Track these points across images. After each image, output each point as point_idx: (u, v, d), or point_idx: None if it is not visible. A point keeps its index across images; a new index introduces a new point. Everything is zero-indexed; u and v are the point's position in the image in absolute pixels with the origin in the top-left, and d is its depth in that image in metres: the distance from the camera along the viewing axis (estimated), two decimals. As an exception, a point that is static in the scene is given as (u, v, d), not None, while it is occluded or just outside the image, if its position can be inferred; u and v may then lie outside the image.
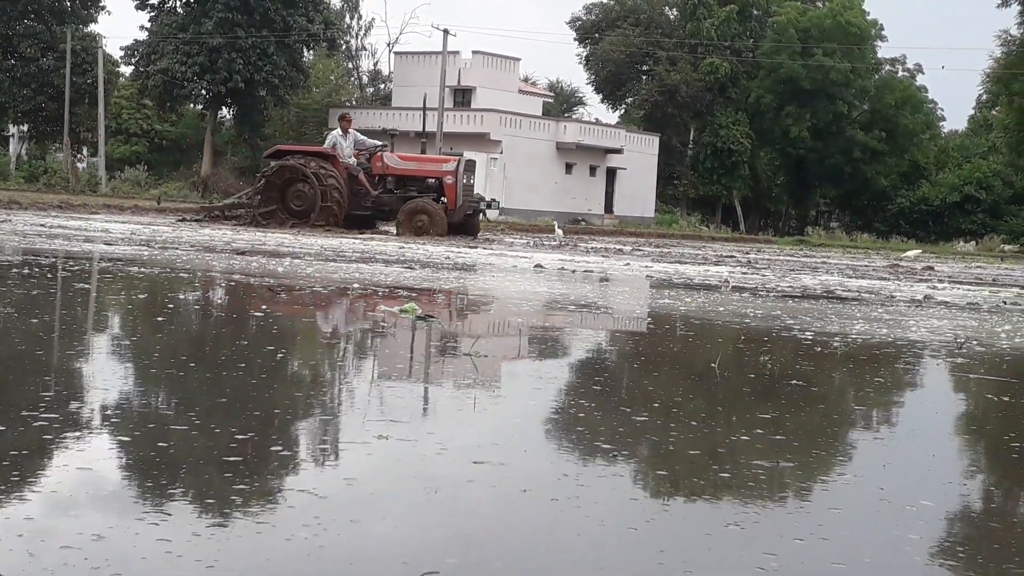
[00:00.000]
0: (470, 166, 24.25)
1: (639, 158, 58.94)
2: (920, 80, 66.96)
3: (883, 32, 65.00)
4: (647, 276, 15.16)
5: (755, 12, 64.81)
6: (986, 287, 16.29)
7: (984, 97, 59.86)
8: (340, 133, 23.97)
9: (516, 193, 50.85)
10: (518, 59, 59.87)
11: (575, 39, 69.15)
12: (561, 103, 77.91)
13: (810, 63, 59.11)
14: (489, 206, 26.86)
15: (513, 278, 13.01)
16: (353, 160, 23.65)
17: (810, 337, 7.81)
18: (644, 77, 65.53)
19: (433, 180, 23.33)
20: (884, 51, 66.46)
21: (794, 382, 5.74)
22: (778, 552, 2.71)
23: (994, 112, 58.39)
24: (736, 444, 4.03)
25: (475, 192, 24.78)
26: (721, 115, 62.26)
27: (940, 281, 17.08)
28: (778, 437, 4.26)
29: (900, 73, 66.91)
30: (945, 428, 4.95)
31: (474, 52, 57.57)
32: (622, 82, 65.95)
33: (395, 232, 23.03)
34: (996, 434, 4.83)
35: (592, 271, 15.23)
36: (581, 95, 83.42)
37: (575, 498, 3.15)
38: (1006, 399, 5.61)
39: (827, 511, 3.22)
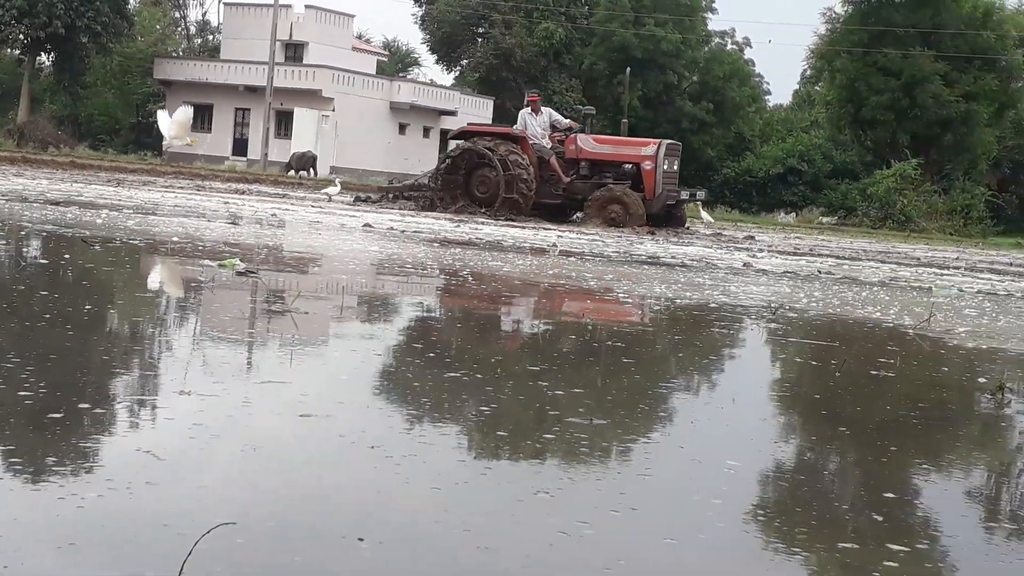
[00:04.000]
0: (673, 150, 21.57)
1: (473, 120, 58.94)
2: (748, 54, 68.63)
3: (714, 4, 66.30)
4: (476, 238, 15.16)
5: (591, -20, 65.32)
6: (803, 257, 16.83)
7: (808, 73, 61.64)
8: (529, 112, 21.48)
9: (348, 152, 50.25)
10: (352, 16, 59.04)
11: (411, -1, 68.58)
12: (396, 63, 77.14)
13: (642, 32, 59.93)
14: (693, 196, 23.76)
15: (344, 237, 12.83)
16: (547, 143, 21.19)
17: (632, 300, 7.91)
18: (480, 40, 65.38)
19: (630, 165, 20.83)
20: (714, 23, 67.79)
21: (616, 344, 5.79)
22: (589, 520, 2.70)
23: (817, 88, 60.22)
24: (555, 406, 4.03)
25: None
26: (555, 81, 62.63)
27: (760, 250, 17.56)
28: (597, 399, 4.28)
29: (729, 46, 68.37)
30: (757, 390, 5.07)
31: (307, 6, 56.44)
32: (457, 44, 65.67)
33: (581, 221, 20.89)
34: (805, 396, 4.96)
35: (421, 231, 15.14)
36: (416, 55, 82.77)
37: (392, 458, 3.09)
38: (814, 363, 5.78)
39: (638, 476, 3.24)
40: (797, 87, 74.30)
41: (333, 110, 51.27)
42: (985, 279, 14.34)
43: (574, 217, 21.66)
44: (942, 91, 44.91)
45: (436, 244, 13.31)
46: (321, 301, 6.99)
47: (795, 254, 17.28)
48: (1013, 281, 14.38)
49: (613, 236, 17.74)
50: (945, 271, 15.62)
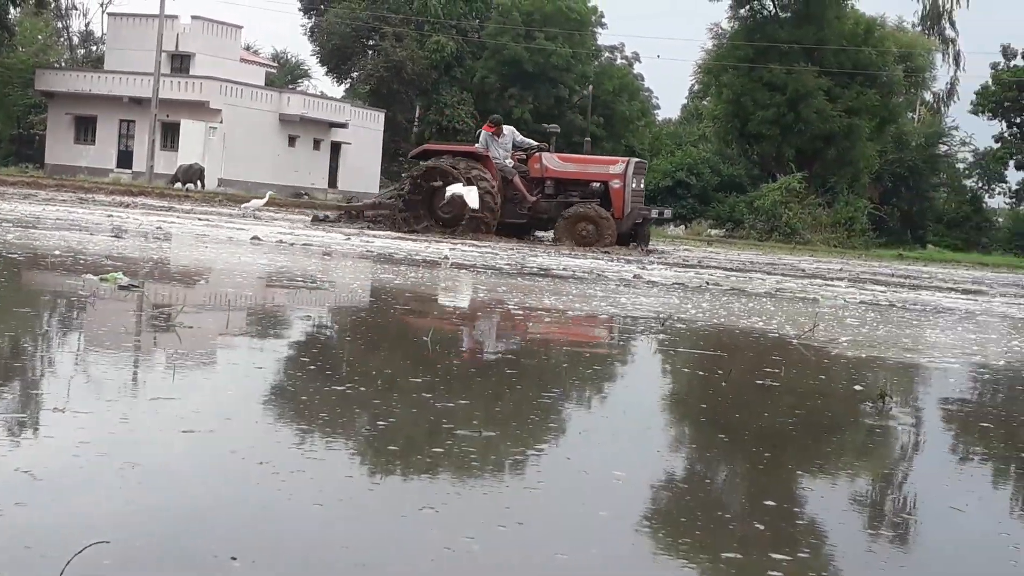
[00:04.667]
0: (640, 168, 21.49)
1: (364, 133, 58.55)
2: (637, 68, 69.55)
3: (603, 20, 67.03)
4: (368, 251, 15.04)
5: (481, -7, 65.49)
6: (692, 269, 17.04)
7: (696, 87, 62.58)
8: (490, 134, 20.97)
9: (237, 164, 49.54)
10: (240, 27, 58.28)
11: (300, 9, 68.00)
12: (285, 74, 76.45)
13: (533, 46, 60.28)
14: (661, 215, 24.21)
15: (231, 250, 12.63)
16: (509, 162, 20.85)
17: (522, 313, 7.91)
18: (370, 52, 65.13)
19: (598, 184, 20.63)
20: (604, 38, 68.54)
21: (507, 356, 5.78)
22: (476, 535, 2.67)
23: (705, 102, 61.16)
24: (444, 419, 4.00)
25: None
26: (447, 94, 62.64)
27: (651, 262, 17.74)
28: (487, 412, 4.26)
29: (619, 61, 69.22)
30: (645, 400, 5.10)
31: (193, 17, 55.57)
32: (348, 56, 65.27)
33: (552, 241, 20.60)
34: (692, 405, 5.00)
35: (312, 244, 14.98)
36: (306, 67, 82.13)
37: (278, 474, 3.03)
38: (702, 373, 5.84)
39: (525, 490, 3.22)
40: (685, 101, 75.48)
41: (221, 122, 50.53)
42: (868, 290, 14.68)
43: (542, 236, 21.52)
44: (825, 106, 45.93)
45: (327, 257, 13.18)
46: (207, 315, 6.85)
47: (684, 266, 17.49)
48: (894, 291, 14.73)
49: (507, 249, 17.77)
50: (830, 282, 15.95)
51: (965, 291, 16.84)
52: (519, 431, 3.95)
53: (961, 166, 60.52)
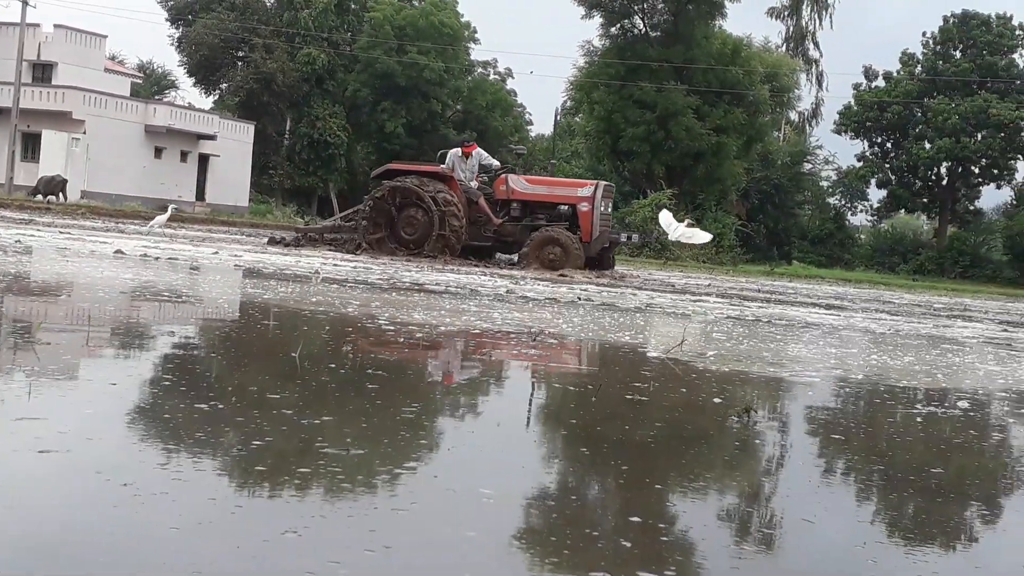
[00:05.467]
0: (609, 191, 21.10)
1: (233, 146, 57.67)
2: (510, 84, 69.94)
3: (476, 35, 67.25)
4: (236, 266, 14.78)
5: (352, 6, 65.11)
6: (565, 284, 17.15)
7: (568, 104, 63.20)
8: (459, 155, 20.73)
9: (101, 176, 48.34)
10: (104, 36, 56.88)
11: (167, 20, 66.75)
12: (152, 85, 74.92)
13: (405, 60, 60.17)
14: (630, 239, 23.98)
15: (95, 264, 12.28)
16: (474, 184, 20.60)
17: (394, 328, 7.84)
18: (240, 64, 64.24)
19: (566, 207, 20.33)
20: (477, 53, 68.78)
21: (377, 372, 5.71)
22: (342, 560, 2.61)
23: (577, 119, 61.77)
24: (312, 437, 3.91)
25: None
26: (318, 107, 62.10)
27: (524, 277, 17.80)
28: (356, 429, 4.19)
29: (492, 76, 69.51)
30: (514, 415, 5.07)
31: (56, 26, 54.06)
32: (216, 67, 64.26)
33: (518, 264, 20.18)
34: (562, 420, 5.00)
35: (178, 259, 14.66)
36: (173, 78, 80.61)
37: (139, 496, 2.92)
38: (572, 388, 5.85)
39: (393, 511, 3.16)
40: (558, 118, 76.04)
41: (84, 133, 49.27)
42: (736, 305, 14.95)
43: (509, 260, 21.13)
44: (695, 124, 46.80)
45: (194, 272, 12.91)
46: (67, 331, 6.63)
47: (558, 281, 17.59)
48: (760, 307, 15.04)
49: (379, 263, 17.65)
50: (699, 297, 16.21)
51: (828, 306, 17.29)
52: (388, 449, 3.89)
53: (825, 184, 62.31)
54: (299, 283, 11.94)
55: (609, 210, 21.28)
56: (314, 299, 10.01)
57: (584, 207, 20.15)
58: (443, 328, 8.31)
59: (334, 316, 8.69)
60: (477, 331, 8.23)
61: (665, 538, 3.09)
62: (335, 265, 16.28)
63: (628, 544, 2.94)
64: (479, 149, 21.39)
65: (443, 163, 20.98)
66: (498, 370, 6.62)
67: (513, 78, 69.70)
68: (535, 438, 4.60)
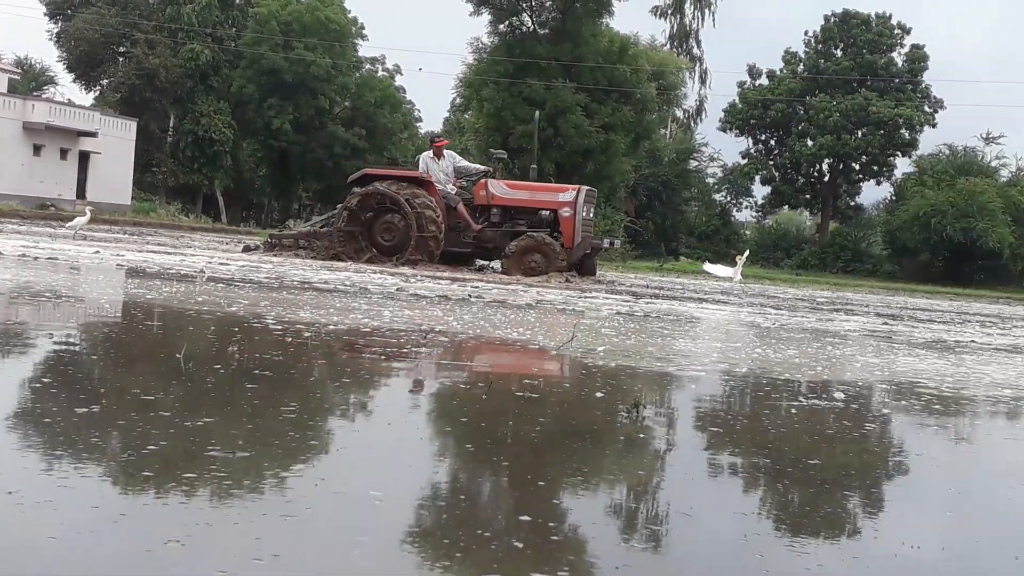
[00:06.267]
0: (591, 196, 20.44)
1: (115, 143, 56.38)
2: (399, 81, 69.67)
3: (364, 31, 66.84)
4: (119, 265, 14.46)
5: (237, 1, 64.23)
6: (456, 281, 17.12)
7: (458, 101, 63.14)
8: (431, 156, 20.06)
9: (-24, 175, 46.94)
10: (-20, 30, 55.35)
11: (45, 14, 65.04)
12: (30, 81, 72.90)
13: (292, 56, 59.52)
14: (612, 244, 23.11)
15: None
16: (451, 188, 19.98)
17: (281, 327, 7.75)
18: (121, 59, 62.87)
19: (547, 212, 19.84)
20: (365, 50, 68.35)
21: (264, 372, 5.62)
22: (227, 570, 2.55)
23: (467, 116, 61.75)
24: (198, 440, 3.83)
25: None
26: (202, 103, 61.10)
27: (414, 274, 17.72)
28: (243, 431, 4.12)
29: (380, 72, 69.16)
30: (402, 415, 5.04)
31: (-72, 19, 52.45)
32: (97, 63, 62.81)
33: (500, 271, 19.49)
34: (453, 419, 4.98)
35: (57, 259, 14.29)
36: (52, 74, 78.57)
37: (22, 504, 2.83)
38: (463, 386, 5.83)
39: (281, 517, 3.11)
40: (448, 115, 76.05)
41: (-41, 130, 47.74)
42: (625, 302, 15.09)
43: (490, 266, 20.72)
44: (583, 122, 47.05)
45: (75, 271, 12.60)
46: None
47: (450, 279, 17.56)
48: (648, 303, 15.20)
49: (268, 262, 17.42)
50: (587, 294, 16.32)
51: (715, 301, 17.55)
52: (276, 451, 3.83)
53: (711, 181, 63.24)
54: (184, 283, 11.72)
55: (591, 215, 20.96)
56: (200, 298, 9.84)
57: (566, 212, 19.80)
58: (331, 327, 8.23)
59: (220, 316, 8.54)
60: (367, 329, 8.17)
61: (556, 537, 3.09)
62: (221, 264, 16.03)
63: (520, 545, 2.94)
64: (454, 153, 21.02)
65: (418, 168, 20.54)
66: (388, 369, 6.57)
67: (402, 75, 69.54)
68: (426, 437, 4.58)
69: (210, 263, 15.87)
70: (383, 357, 6.99)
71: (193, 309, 8.88)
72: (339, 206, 20.32)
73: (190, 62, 59.90)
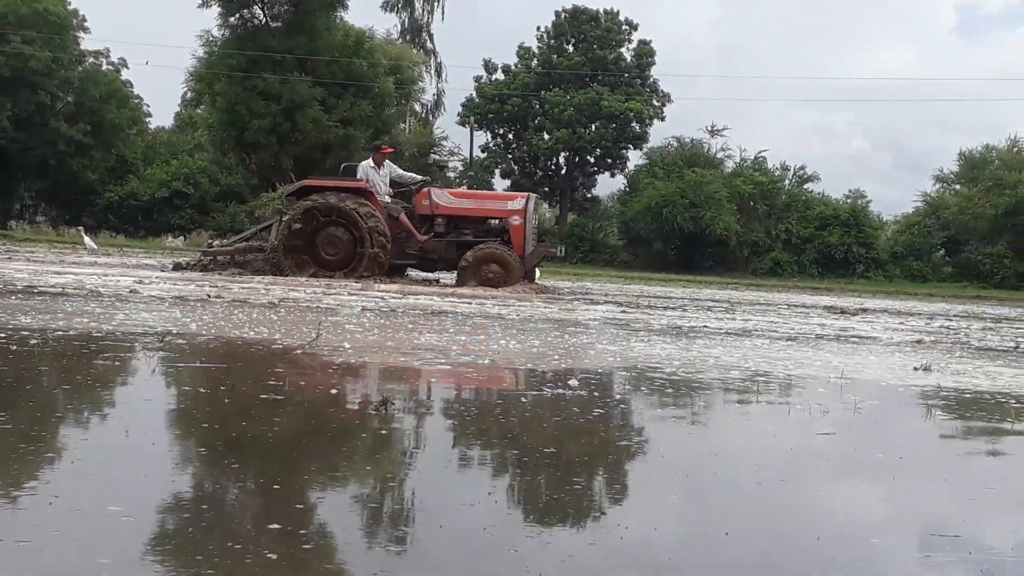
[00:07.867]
0: (537, 204, 18.75)
1: None
2: (126, 75, 66.94)
3: (86, 24, 63.93)
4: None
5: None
6: (194, 282, 16.65)
7: (189, 95, 61.33)
8: (372, 165, 18.63)
9: None
10: None
11: None
12: None
13: (8, 50, 56.40)
14: (562, 252, 21.84)
15: None
16: (389, 199, 18.80)
17: (4, 335, 7.33)
18: None
19: (496, 221, 18.89)
20: (88, 43, 65.37)
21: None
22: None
23: (199, 111, 60.09)
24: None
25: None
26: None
27: (149, 279, 17.15)
28: (-36, 449, 3.86)
29: (105, 66, 66.33)
30: (146, 422, 4.84)
31: None
32: None
33: (457, 283, 18.19)
34: (196, 425, 4.83)
35: None
36: None
37: None
38: (204, 390, 5.67)
39: (15, 544, 2.93)
40: (179, 110, 73.89)
41: None
42: (372, 298, 15.04)
43: (442, 279, 19.70)
44: (321, 116, 46.61)
45: None
46: None
47: (187, 280, 17.07)
48: (395, 297, 15.21)
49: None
50: (331, 289, 16.17)
51: (462, 296, 17.72)
52: (4, 467, 3.61)
53: (452, 175, 63.83)
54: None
55: (536, 222, 20.45)
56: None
57: (516, 221, 19.06)
58: (60, 332, 7.83)
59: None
60: (99, 333, 7.83)
61: (308, 545, 3.03)
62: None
63: (274, 556, 2.86)
64: (391, 163, 20.08)
65: (354, 177, 19.50)
66: (124, 373, 6.31)
67: (128, 68, 66.82)
68: (167, 444, 4.41)
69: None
70: (117, 361, 6.71)
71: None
72: (285, 218, 19.17)
73: None
